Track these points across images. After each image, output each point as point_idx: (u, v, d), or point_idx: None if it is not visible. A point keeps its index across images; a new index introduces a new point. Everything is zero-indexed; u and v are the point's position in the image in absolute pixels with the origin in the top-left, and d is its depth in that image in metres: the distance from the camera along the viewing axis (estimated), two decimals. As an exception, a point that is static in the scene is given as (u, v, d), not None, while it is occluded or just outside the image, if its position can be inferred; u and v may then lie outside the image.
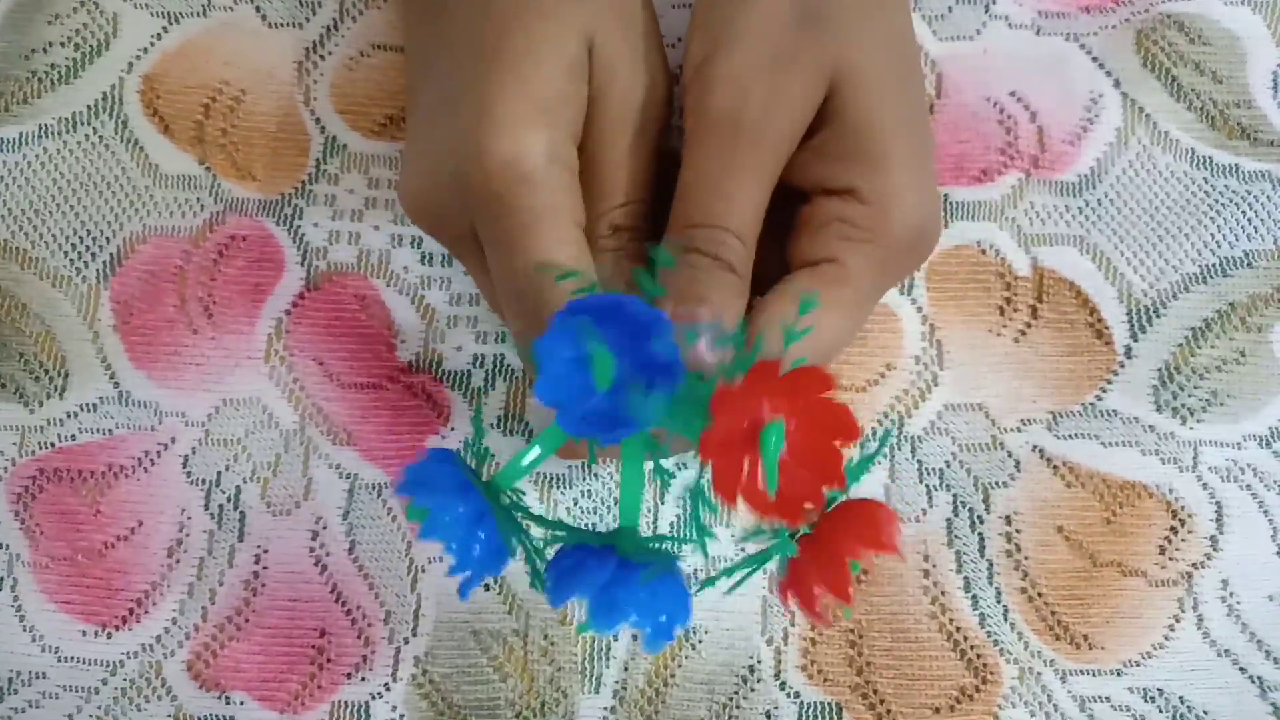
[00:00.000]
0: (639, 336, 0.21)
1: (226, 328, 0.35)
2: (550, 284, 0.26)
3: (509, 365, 0.35)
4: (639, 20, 0.30)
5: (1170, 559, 0.34)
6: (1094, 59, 0.37)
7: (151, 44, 0.37)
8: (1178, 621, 0.34)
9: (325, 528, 0.34)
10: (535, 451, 0.25)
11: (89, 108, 0.36)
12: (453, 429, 0.34)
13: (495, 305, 0.31)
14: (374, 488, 0.34)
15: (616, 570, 0.23)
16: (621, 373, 0.21)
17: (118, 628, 0.33)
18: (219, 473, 0.34)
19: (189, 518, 0.34)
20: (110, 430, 0.34)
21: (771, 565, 0.25)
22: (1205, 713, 0.33)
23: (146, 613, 0.33)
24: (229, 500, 0.34)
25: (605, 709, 0.33)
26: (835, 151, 0.27)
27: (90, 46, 0.37)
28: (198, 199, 0.36)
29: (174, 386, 0.34)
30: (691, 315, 0.25)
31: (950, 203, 0.36)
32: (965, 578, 0.34)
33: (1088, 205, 0.36)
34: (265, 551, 0.34)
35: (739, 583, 0.26)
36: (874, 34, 0.28)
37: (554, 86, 0.27)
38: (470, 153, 0.26)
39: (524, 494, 0.31)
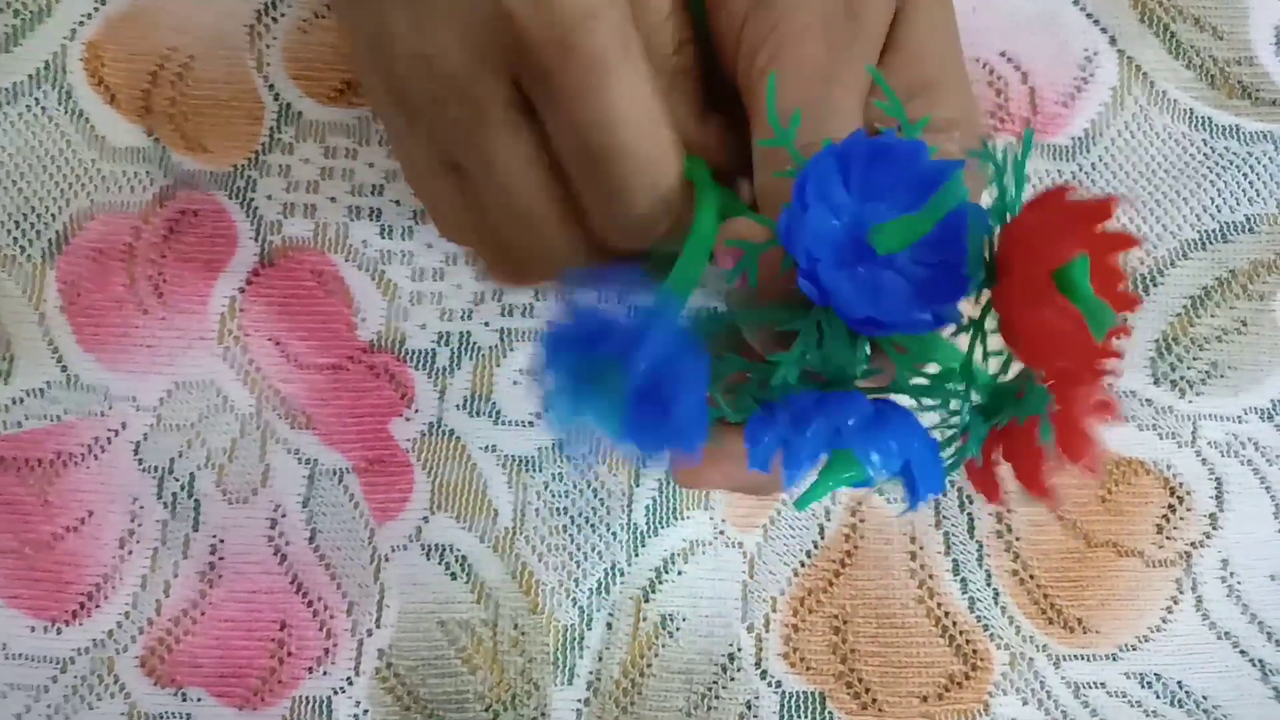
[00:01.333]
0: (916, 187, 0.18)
1: (178, 307, 0.33)
2: (640, 129, 0.24)
3: (475, 343, 0.33)
4: None
5: (1168, 538, 0.33)
6: (1088, 15, 0.35)
7: (95, 9, 0.35)
8: (1176, 603, 0.32)
9: (284, 515, 0.32)
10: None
11: (30, 77, 0.34)
12: (417, 411, 0.33)
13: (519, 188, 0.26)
14: (335, 473, 0.32)
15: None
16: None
17: (68, 623, 0.32)
18: (172, 459, 0.32)
19: (141, 507, 0.32)
20: (58, 416, 0.33)
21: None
22: (1204, 697, 0.32)
23: (98, 606, 0.32)
24: (183, 488, 0.32)
25: (579, 701, 0.32)
26: (897, 82, 0.25)
27: (30, 12, 0.35)
28: (146, 172, 0.34)
29: (124, 370, 0.33)
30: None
31: (937, 168, 0.34)
32: (954, 560, 0.32)
33: (1081, 169, 0.34)
34: (221, 541, 0.32)
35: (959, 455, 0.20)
36: None
37: None
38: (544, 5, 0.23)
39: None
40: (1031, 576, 0.32)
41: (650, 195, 0.25)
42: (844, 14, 0.25)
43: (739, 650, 0.32)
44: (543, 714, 0.32)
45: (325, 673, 0.32)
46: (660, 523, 0.32)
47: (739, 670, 0.32)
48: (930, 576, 0.32)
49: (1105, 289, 0.16)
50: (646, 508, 0.33)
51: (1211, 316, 0.34)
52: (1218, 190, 0.34)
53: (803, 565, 0.32)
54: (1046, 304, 0.16)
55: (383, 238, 0.34)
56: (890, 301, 0.18)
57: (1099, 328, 0.16)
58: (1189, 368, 0.33)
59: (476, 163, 0.26)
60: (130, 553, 0.32)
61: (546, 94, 0.24)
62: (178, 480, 0.32)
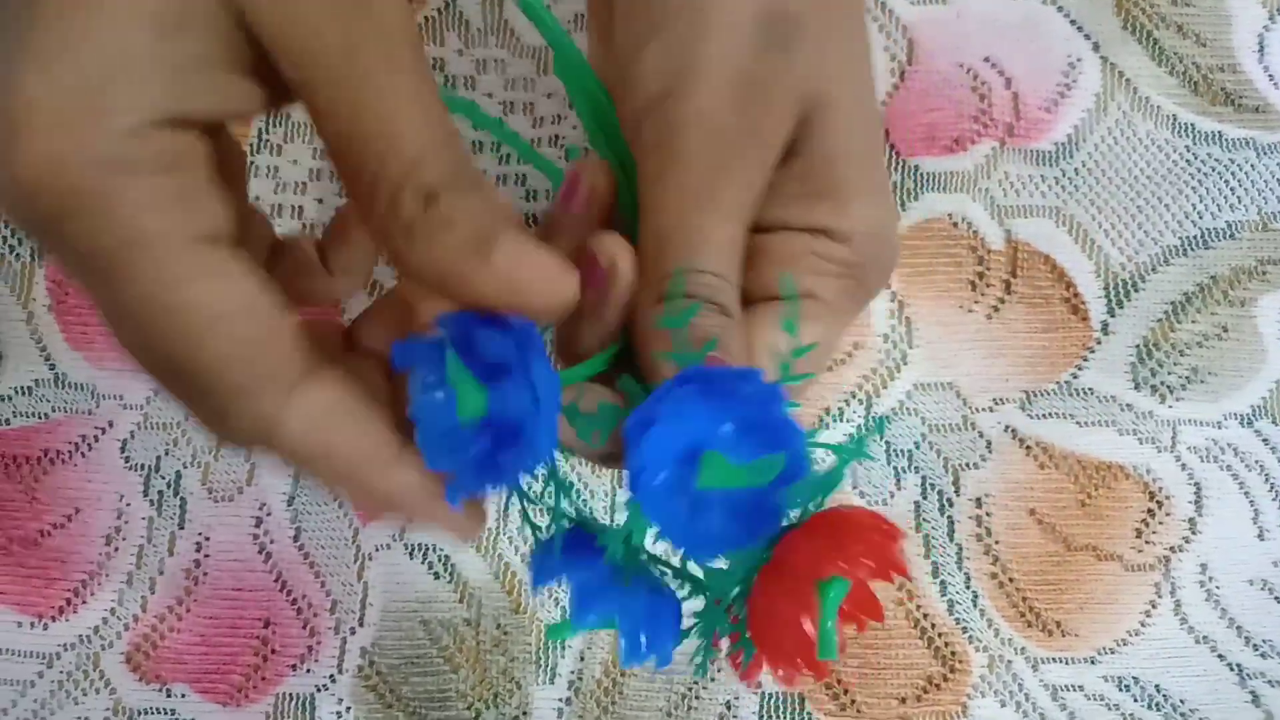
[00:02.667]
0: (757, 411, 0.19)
1: (165, 307, 0.33)
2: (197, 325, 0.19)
3: (460, 345, 0.33)
4: None
5: (1147, 542, 0.33)
6: (1072, 21, 0.35)
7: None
8: (1154, 607, 0.33)
9: (269, 514, 0.33)
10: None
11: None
12: (401, 411, 0.33)
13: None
14: (319, 472, 0.33)
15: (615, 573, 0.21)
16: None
17: (54, 618, 0.32)
18: (158, 457, 0.33)
19: (128, 504, 0.32)
20: (46, 414, 0.33)
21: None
22: (1182, 701, 0.32)
23: (84, 602, 0.32)
24: (169, 486, 0.33)
25: (560, 700, 0.32)
26: (802, 189, 0.25)
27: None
28: (136, 173, 0.34)
29: (112, 369, 0.33)
30: (713, 362, 0.22)
31: (921, 174, 0.34)
32: (934, 563, 0.33)
33: (1064, 175, 0.34)
34: (207, 539, 0.32)
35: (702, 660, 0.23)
36: (841, 58, 0.25)
37: (114, 50, 0.18)
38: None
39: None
40: (1011, 579, 0.33)
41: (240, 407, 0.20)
42: (738, 128, 0.23)
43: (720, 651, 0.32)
44: (524, 713, 0.32)
45: (309, 670, 0.32)
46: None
47: (719, 671, 0.32)
48: (910, 579, 0.32)
49: (857, 609, 0.19)
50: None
51: (1193, 322, 0.34)
52: (1200, 196, 0.34)
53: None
54: (798, 601, 0.19)
55: (369, 239, 0.34)
56: (695, 533, 0.20)
57: (824, 650, 0.19)
58: (1170, 373, 0.33)
59: None
60: (116, 550, 0.32)
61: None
62: (164, 478, 0.33)
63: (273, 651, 0.32)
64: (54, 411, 0.33)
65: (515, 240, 0.20)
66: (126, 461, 0.33)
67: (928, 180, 0.34)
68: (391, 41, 0.20)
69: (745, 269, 0.24)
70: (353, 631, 0.32)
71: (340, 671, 0.32)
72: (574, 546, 0.21)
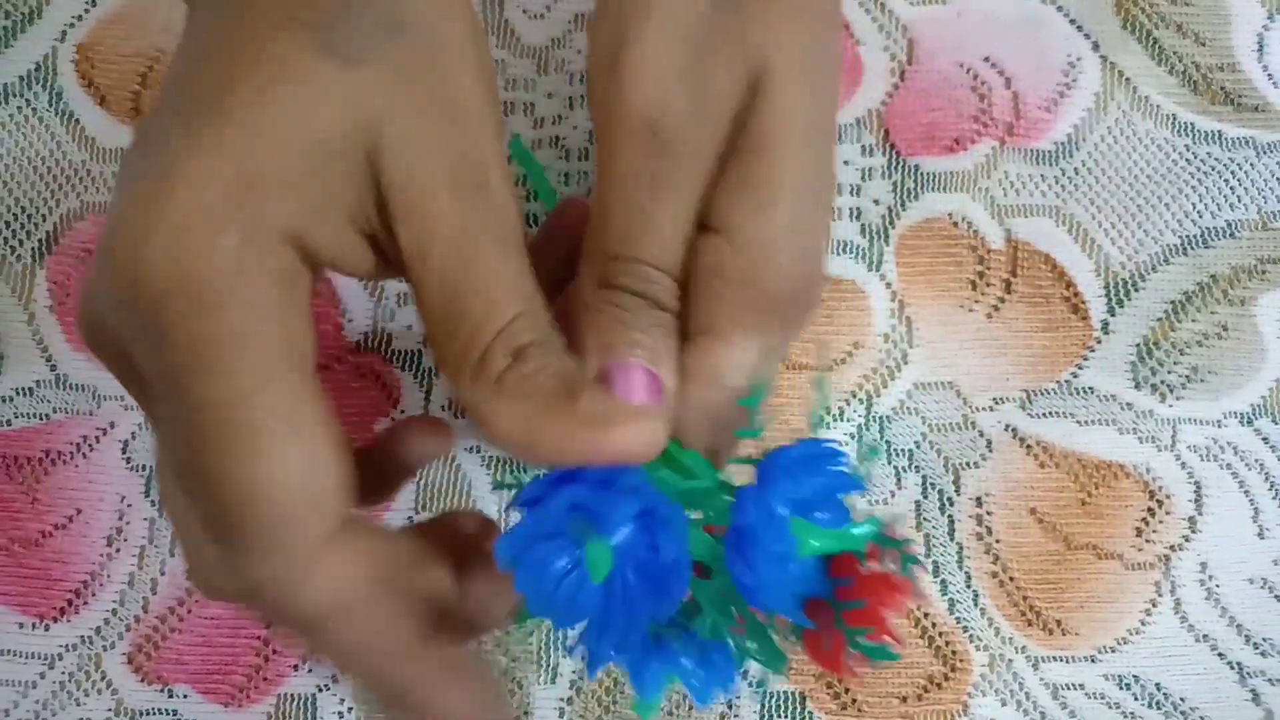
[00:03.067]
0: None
1: (165, 308, 0.33)
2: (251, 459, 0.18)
3: (461, 345, 0.33)
4: (456, 94, 0.20)
5: (1147, 541, 0.33)
6: (1072, 21, 0.35)
7: (85, 11, 0.35)
8: (1154, 606, 0.33)
9: (270, 515, 0.33)
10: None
11: (21, 79, 0.35)
12: (402, 411, 0.33)
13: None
14: (321, 473, 0.33)
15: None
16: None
17: (55, 619, 0.32)
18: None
19: (129, 505, 0.32)
20: (47, 415, 0.33)
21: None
22: (1182, 699, 0.32)
23: (85, 604, 0.32)
24: (170, 487, 0.33)
25: (562, 700, 0.32)
26: (733, 175, 0.22)
27: (21, 14, 0.35)
28: (136, 174, 0.34)
29: (112, 369, 0.33)
30: (623, 362, 0.22)
31: (921, 173, 0.35)
32: (934, 562, 0.33)
33: (1064, 174, 0.34)
34: (208, 540, 0.32)
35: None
36: (798, 20, 0.23)
37: (270, 160, 0.18)
38: (121, 260, 0.18)
39: None
40: (1011, 579, 0.33)
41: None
42: (687, 92, 0.22)
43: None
44: (526, 713, 0.32)
45: (310, 670, 0.32)
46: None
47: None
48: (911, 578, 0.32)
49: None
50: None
51: (1193, 321, 0.34)
52: (1199, 196, 0.34)
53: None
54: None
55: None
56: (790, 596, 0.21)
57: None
58: (1170, 372, 0.34)
59: None
60: (118, 551, 0.32)
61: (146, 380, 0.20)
62: (165, 479, 0.33)
63: (274, 652, 0.32)
64: (55, 412, 0.33)
65: (598, 390, 0.20)
66: (128, 463, 0.33)
67: (928, 180, 0.34)
68: (505, 227, 0.20)
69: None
70: (354, 632, 0.32)
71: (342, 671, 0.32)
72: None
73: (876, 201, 0.34)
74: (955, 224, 0.34)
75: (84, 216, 0.34)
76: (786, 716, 0.32)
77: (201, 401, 0.18)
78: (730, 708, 0.32)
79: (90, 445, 0.33)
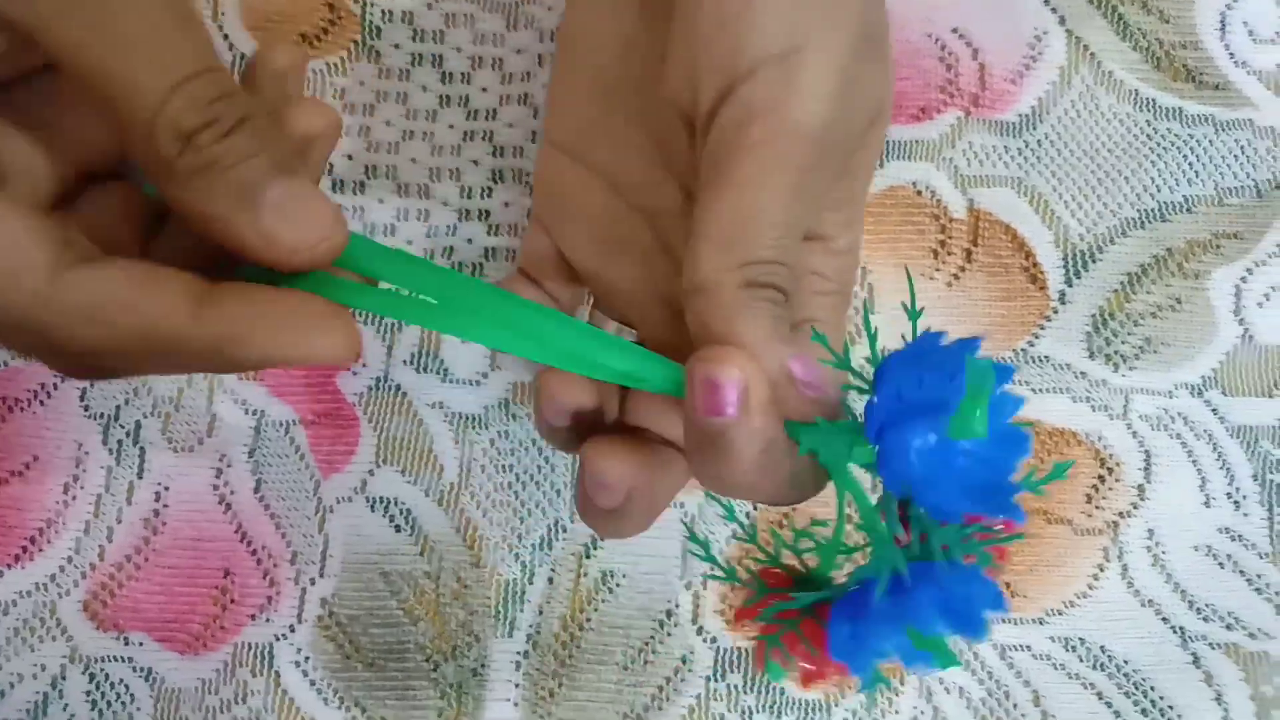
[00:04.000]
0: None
1: (127, 255, 0.33)
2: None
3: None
4: None
5: (1097, 508, 0.34)
6: (1039, -6, 0.36)
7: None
8: (1102, 571, 0.33)
9: (230, 465, 0.33)
10: None
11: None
12: (364, 365, 0.33)
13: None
14: (282, 425, 0.33)
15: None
16: None
17: (10, 565, 0.32)
18: (118, 407, 0.33)
19: (86, 453, 0.32)
20: (5, 362, 0.33)
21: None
22: (1126, 661, 0.33)
23: (41, 550, 0.32)
24: (128, 435, 0.32)
25: (519, 653, 0.32)
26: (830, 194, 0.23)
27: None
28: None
29: (72, 316, 0.33)
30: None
31: (887, 142, 0.35)
32: (889, 524, 0.33)
33: (1027, 146, 0.35)
34: (166, 489, 0.32)
35: None
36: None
37: None
38: None
39: None
40: (963, 541, 0.33)
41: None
42: (834, 130, 0.22)
43: (676, 607, 0.33)
44: (483, 665, 0.32)
45: (268, 620, 0.32)
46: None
47: (676, 626, 0.32)
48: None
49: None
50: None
51: (1147, 293, 0.34)
52: (1158, 171, 0.35)
53: (742, 527, 0.33)
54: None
55: (333, 191, 0.34)
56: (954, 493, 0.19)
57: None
58: (1124, 342, 0.34)
59: None
60: (74, 498, 0.32)
61: None
62: (123, 428, 0.32)
63: (232, 601, 0.32)
64: (13, 359, 0.33)
65: (284, 186, 0.19)
66: (86, 410, 0.33)
67: (893, 148, 0.35)
68: None
69: None
70: (313, 582, 0.32)
71: (300, 621, 0.32)
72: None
73: (842, 168, 0.35)
74: (919, 192, 0.35)
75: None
76: (739, 670, 0.32)
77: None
78: (684, 663, 0.32)
79: (48, 392, 0.33)
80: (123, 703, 0.32)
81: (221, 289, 0.20)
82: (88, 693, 0.32)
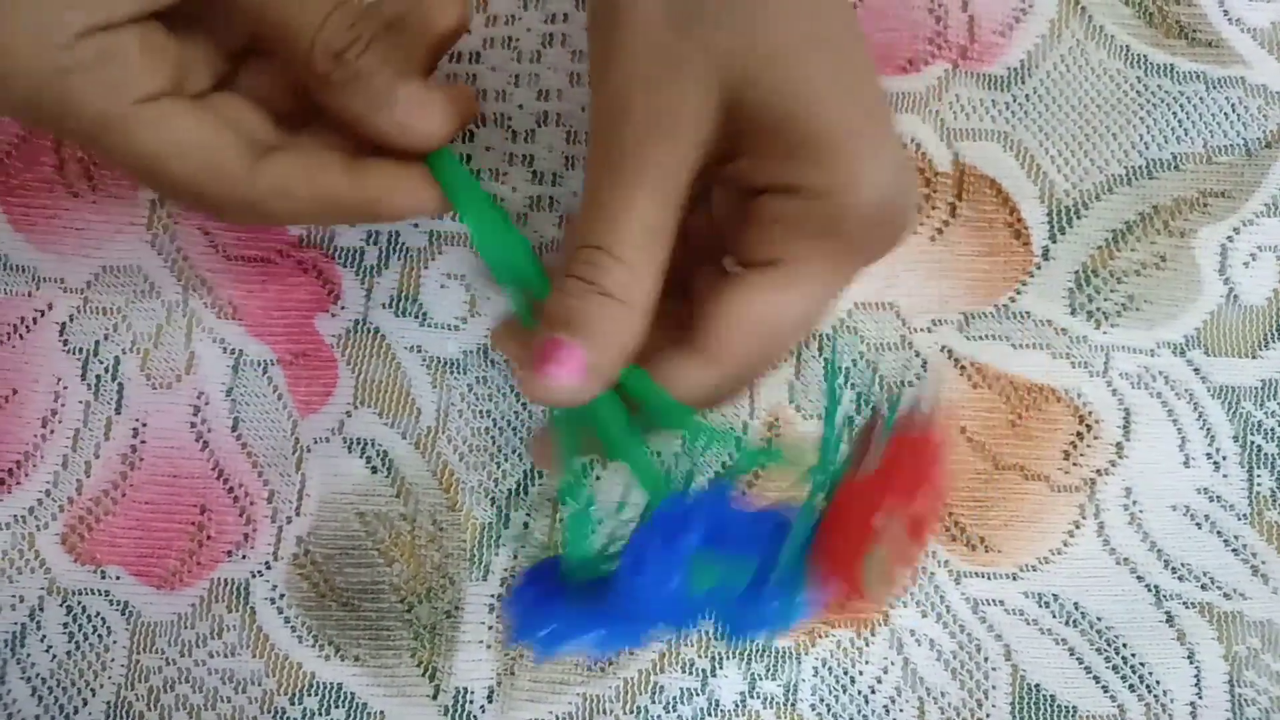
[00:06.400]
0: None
1: (107, 191, 0.33)
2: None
3: (404, 244, 0.33)
4: None
5: (1074, 464, 0.33)
6: (1031, -54, 0.35)
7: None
8: (1078, 528, 0.33)
9: (207, 403, 0.33)
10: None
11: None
12: (343, 307, 0.33)
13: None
14: (259, 364, 0.33)
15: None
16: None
17: (-12, 497, 0.32)
18: (97, 342, 0.33)
19: (65, 388, 0.33)
20: (-15, 296, 0.33)
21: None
22: (1099, 619, 0.33)
23: (19, 483, 0.32)
24: (107, 371, 0.33)
25: (493, 597, 0.32)
26: (771, 150, 0.24)
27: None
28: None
29: (53, 251, 0.33)
30: (563, 344, 0.24)
31: (874, 93, 0.34)
32: (864, 476, 0.33)
33: (1015, 100, 0.35)
34: (144, 425, 0.33)
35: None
36: (776, 6, 0.24)
37: None
38: None
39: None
40: (939, 495, 0.33)
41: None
42: (647, 108, 0.24)
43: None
44: (457, 608, 0.32)
45: (244, 556, 0.32)
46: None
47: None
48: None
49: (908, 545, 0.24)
50: (568, 414, 0.33)
51: (1132, 250, 0.34)
52: (1147, 128, 0.35)
53: (717, 476, 0.33)
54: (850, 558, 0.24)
55: (316, 133, 0.34)
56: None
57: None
58: (1106, 299, 0.34)
59: None
60: (52, 432, 0.32)
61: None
62: (102, 363, 0.33)
63: (208, 537, 0.32)
64: (-7, 293, 0.33)
65: (412, 89, 0.26)
66: (65, 345, 0.33)
67: (880, 100, 0.34)
68: None
69: (671, 250, 0.25)
70: (289, 521, 0.32)
71: (275, 559, 0.32)
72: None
73: (827, 119, 0.34)
74: (904, 145, 0.34)
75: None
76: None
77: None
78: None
79: (27, 327, 0.33)
80: (99, 635, 0.32)
81: (365, 164, 0.27)
82: (64, 625, 0.32)
